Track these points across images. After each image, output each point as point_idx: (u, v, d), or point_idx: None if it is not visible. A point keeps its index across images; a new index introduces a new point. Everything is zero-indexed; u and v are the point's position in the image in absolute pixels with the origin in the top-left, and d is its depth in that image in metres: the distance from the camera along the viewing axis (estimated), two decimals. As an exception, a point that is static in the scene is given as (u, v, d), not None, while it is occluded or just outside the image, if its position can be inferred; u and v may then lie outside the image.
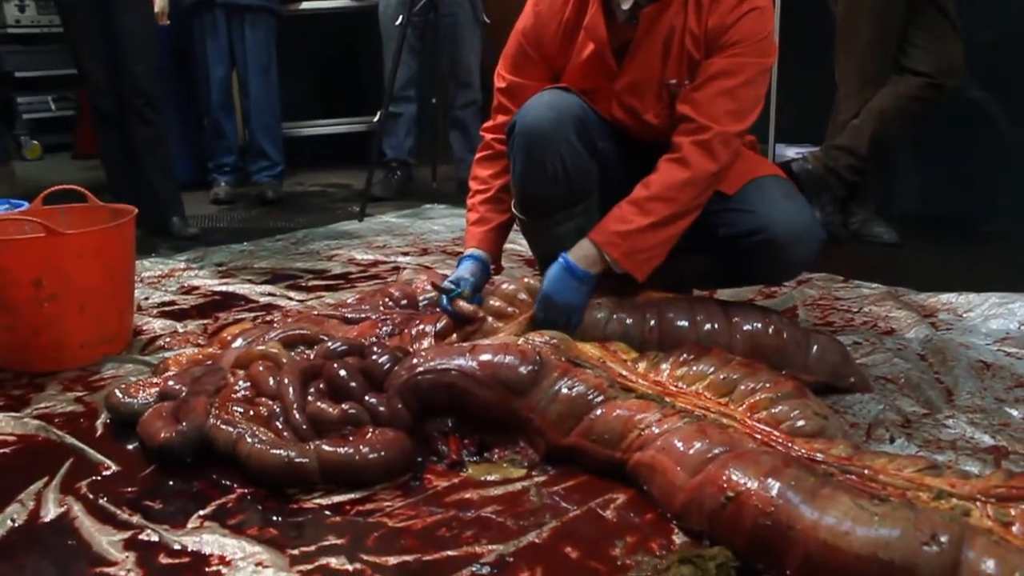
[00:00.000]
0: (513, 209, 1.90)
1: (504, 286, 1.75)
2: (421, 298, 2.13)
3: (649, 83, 1.81)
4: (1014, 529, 1.11)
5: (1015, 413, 1.68)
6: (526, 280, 1.74)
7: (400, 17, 3.49)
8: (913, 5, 2.89)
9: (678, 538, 1.28)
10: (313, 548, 1.28)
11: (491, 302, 1.74)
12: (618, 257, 1.69)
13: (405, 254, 3.03)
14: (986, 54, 3.14)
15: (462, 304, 1.75)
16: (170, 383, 1.68)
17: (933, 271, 2.67)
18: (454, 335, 1.74)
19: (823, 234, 1.80)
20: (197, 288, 2.67)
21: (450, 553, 1.26)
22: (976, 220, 3.26)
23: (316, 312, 2.14)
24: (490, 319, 1.73)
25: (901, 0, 2.88)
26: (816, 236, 1.78)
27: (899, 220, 3.16)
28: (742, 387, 1.50)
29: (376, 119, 3.64)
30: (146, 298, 2.55)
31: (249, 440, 1.46)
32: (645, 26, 1.76)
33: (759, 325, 1.71)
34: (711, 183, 1.72)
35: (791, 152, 3.30)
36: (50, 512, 1.40)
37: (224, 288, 2.65)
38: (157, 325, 2.31)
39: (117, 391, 1.71)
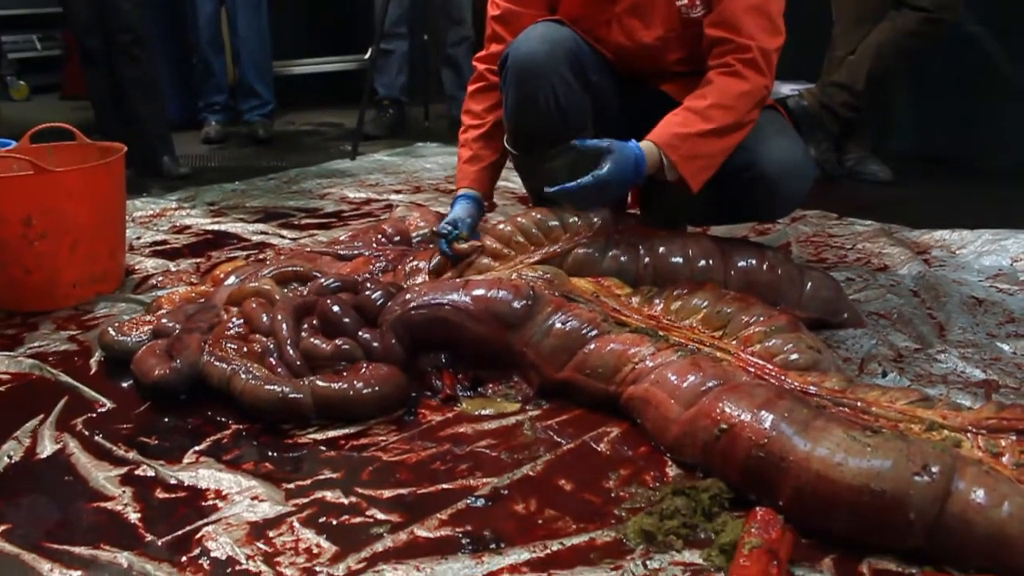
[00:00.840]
0: (505, 143, 1.88)
1: (500, 227, 1.73)
2: (414, 234, 2.11)
3: (654, 4, 1.76)
4: (1004, 460, 1.12)
5: (1006, 348, 1.68)
6: (519, 220, 1.72)
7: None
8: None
9: (671, 470, 1.29)
10: (308, 482, 1.29)
11: (487, 242, 1.72)
12: (677, 160, 1.63)
13: (398, 192, 3.01)
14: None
15: (461, 246, 1.74)
16: (163, 321, 1.67)
17: (928, 208, 2.67)
18: (449, 272, 1.73)
19: (816, 170, 1.79)
20: (189, 227, 2.65)
21: (445, 486, 1.27)
22: (972, 157, 3.25)
23: (309, 249, 2.13)
24: (485, 260, 1.71)
25: (899, -68, 2.84)
26: (808, 172, 1.76)
27: (894, 158, 3.15)
28: (736, 321, 1.49)
29: (367, 57, 3.59)
30: (138, 238, 2.53)
31: (243, 376, 1.46)
32: None
33: (753, 261, 1.70)
34: (764, 96, 1.69)
35: (786, 88, 3.26)
36: (46, 449, 1.40)
37: (216, 227, 2.63)
38: (149, 264, 2.29)
39: (110, 329, 1.70)
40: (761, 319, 1.48)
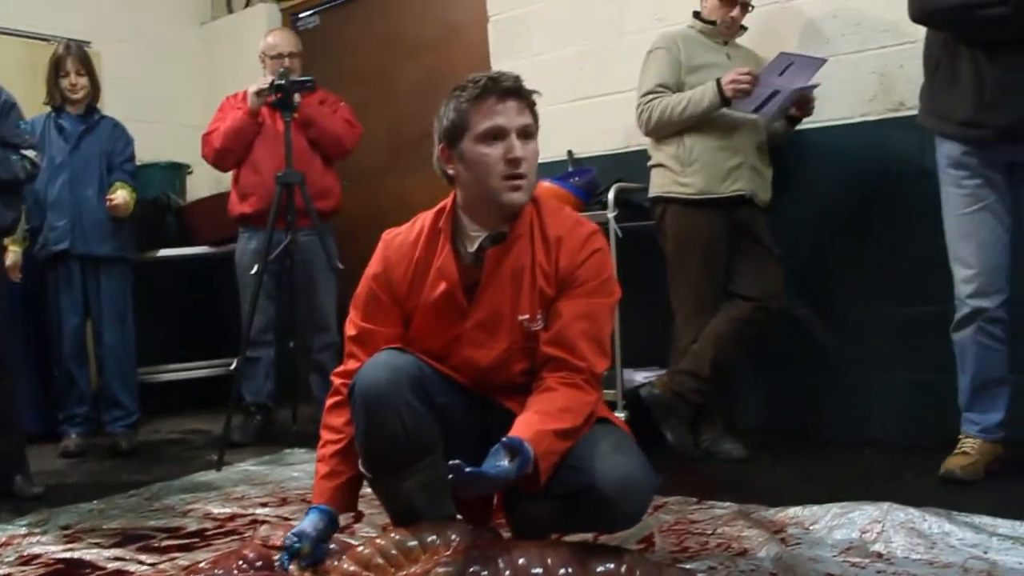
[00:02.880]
0: (360, 467, 1.92)
1: (359, 549, 1.73)
2: (276, 558, 2.07)
3: (501, 319, 1.90)
4: None
5: (861, 631, 1.73)
6: (378, 541, 1.72)
7: (256, 266, 3.56)
8: (734, 238, 3.17)
9: None
10: None
11: (345, 566, 1.71)
12: (540, 454, 1.69)
13: (264, 504, 2.95)
14: (806, 276, 3.44)
15: (292, 569, 1.73)
16: None
17: (781, 483, 2.79)
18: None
19: (655, 482, 1.85)
20: (38, 557, 2.51)
21: None
22: (815, 429, 3.45)
23: (166, 581, 2.04)
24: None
25: (723, 234, 3.16)
26: (647, 486, 1.83)
27: (746, 435, 3.31)
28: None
29: (234, 365, 3.63)
30: (-20, 575, 2.38)
31: None
32: (491, 266, 1.89)
33: (612, 565, 1.73)
34: (592, 412, 1.83)
35: (639, 377, 3.44)
36: None
37: (68, 555, 2.50)
38: (-9, 608, 2.15)
39: None
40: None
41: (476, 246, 1.92)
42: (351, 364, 1.99)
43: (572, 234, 1.91)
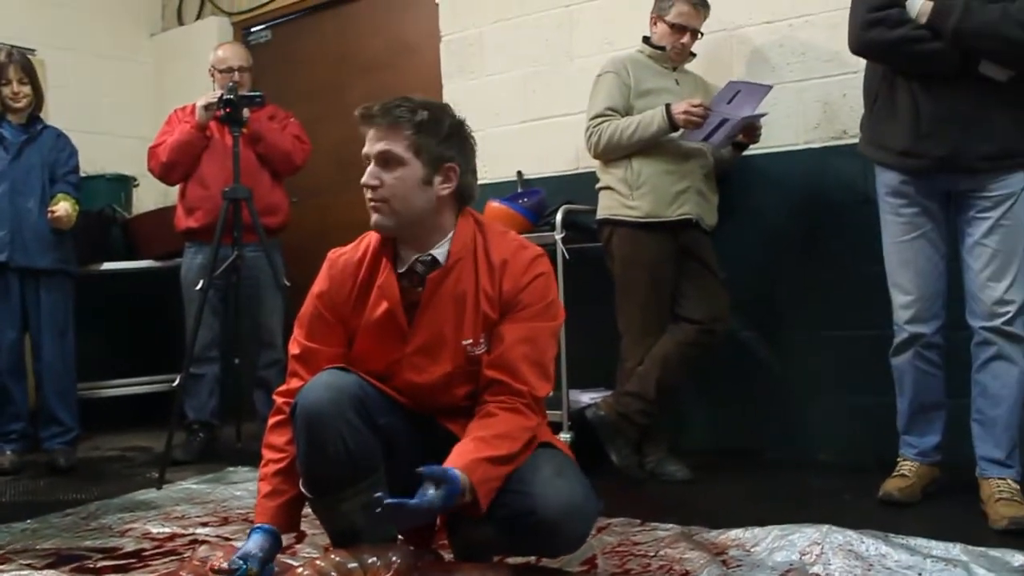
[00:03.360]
0: (301, 487, 1.91)
1: (299, 570, 1.71)
2: (215, 582, 2.04)
3: (443, 343, 1.91)
4: None
5: (798, 654, 1.75)
6: (318, 563, 1.71)
7: (201, 282, 3.52)
8: (681, 262, 3.21)
9: None
10: None
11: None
12: (476, 482, 1.71)
13: (205, 524, 2.90)
14: (751, 299, 3.48)
15: None
16: None
17: (724, 505, 2.82)
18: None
19: (598, 507, 1.88)
20: (-35, 582, 2.45)
21: None
22: (757, 451, 3.49)
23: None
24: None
25: (670, 257, 3.19)
26: (590, 511, 1.86)
27: (690, 456, 3.33)
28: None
29: (177, 382, 3.58)
30: (-95, 601, 2.31)
31: None
32: (431, 289, 1.91)
33: (552, 588, 1.74)
34: (536, 435, 1.85)
35: (585, 397, 3.45)
36: None
37: (-1, 577, 2.45)
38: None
39: None
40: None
41: (406, 267, 1.96)
42: (294, 383, 1.99)
43: (516, 258, 1.94)
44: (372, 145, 1.91)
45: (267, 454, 1.99)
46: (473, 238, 1.96)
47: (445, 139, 1.93)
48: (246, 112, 3.67)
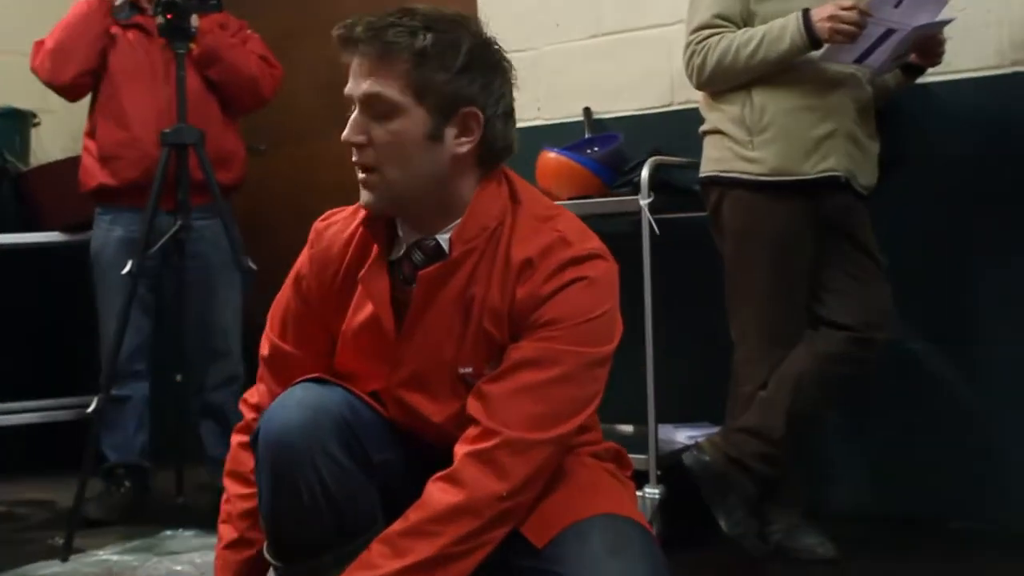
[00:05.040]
0: (264, 551, 1.91)
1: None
2: None
3: (438, 371, 1.91)
4: None
5: None
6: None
7: (130, 263, 3.52)
8: (824, 240, 3.16)
9: None
10: None
11: None
12: None
13: (132, 614, 2.94)
14: (921, 295, 3.44)
15: None
16: None
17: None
18: None
19: None
20: None
21: None
22: (933, 518, 3.44)
23: None
24: None
25: (808, 234, 3.15)
26: None
27: (836, 524, 3.30)
28: None
29: (92, 407, 3.59)
30: None
31: None
32: (423, 293, 1.88)
33: None
34: (502, 512, 1.76)
35: (681, 436, 3.43)
36: None
37: None
38: None
39: None
40: None
41: (401, 252, 1.94)
42: (262, 395, 2.04)
43: (546, 258, 1.86)
44: (357, 84, 1.87)
45: (232, 487, 2.00)
46: (499, 217, 1.92)
47: (461, 71, 1.84)
48: (195, 19, 3.68)
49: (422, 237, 1.92)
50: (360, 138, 1.84)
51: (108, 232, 4.05)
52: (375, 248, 1.93)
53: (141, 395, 4.05)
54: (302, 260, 2.05)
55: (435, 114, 1.84)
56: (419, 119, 1.84)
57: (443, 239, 1.90)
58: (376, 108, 1.84)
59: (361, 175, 1.87)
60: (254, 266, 3.74)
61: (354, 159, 1.87)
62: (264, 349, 2.07)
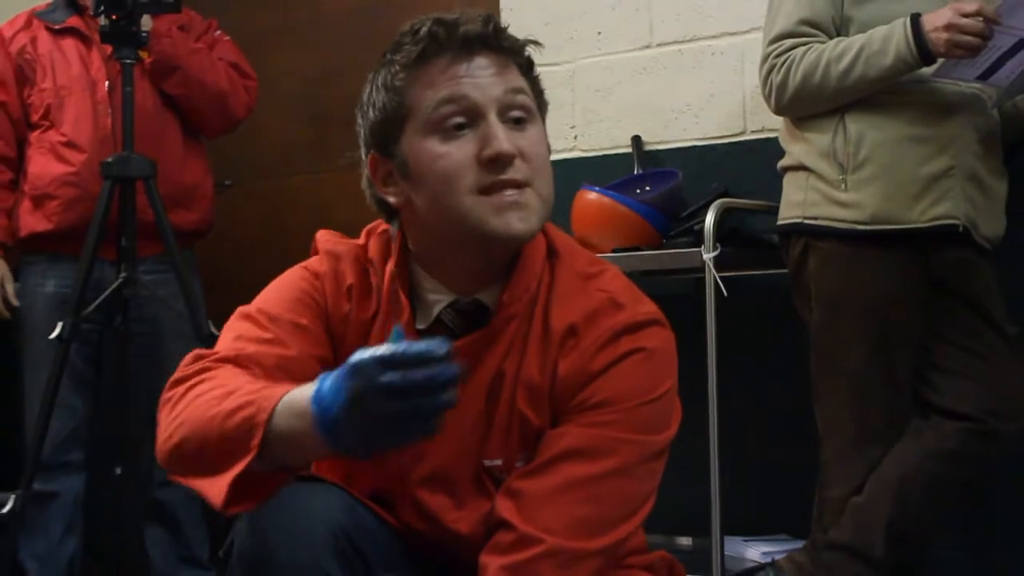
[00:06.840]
0: None
1: None
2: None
3: (463, 464, 1.90)
4: None
5: None
6: None
7: (59, 325, 3.52)
8: (936, 306, 3.14)
9: None
10: None
11: None
12: None
13: None
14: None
15: None
16: None
17: None
18: None
19: None
20: None
21: None
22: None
23: None
24: None
25: (916, 297, 3.13)
26: None
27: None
28: None
29: (7, 507, 3.58)
30: None
31: None
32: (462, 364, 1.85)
33: None
34: None
35: (753, 552, 3.41)
36: None
37: None
38: None
39: None
40: None
41: (433, 319, 1.93)
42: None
43: (594, 323, 1.87)
44: (490, 86, 1.86)
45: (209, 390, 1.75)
46: (539, 275, 1.92)
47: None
48: (147, 20, 3.69)
49: (456, 296, 1.92)
50: (510, 147, 1.83)
51: (37, 286, 4.05)
52: (405, 312, 1.91)
53: (72, 492, 4.03)
54: (320, 260, 1.99)
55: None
56: (543, 133, 1.93)
57: (486, 299, 1.90)
58: (516, 111, 1.87)
59: (511, 195, 1.82)
60: (216, 331, 3.72)
61: (503, 176, 1.82)
62: (247, 309, 1.94)
